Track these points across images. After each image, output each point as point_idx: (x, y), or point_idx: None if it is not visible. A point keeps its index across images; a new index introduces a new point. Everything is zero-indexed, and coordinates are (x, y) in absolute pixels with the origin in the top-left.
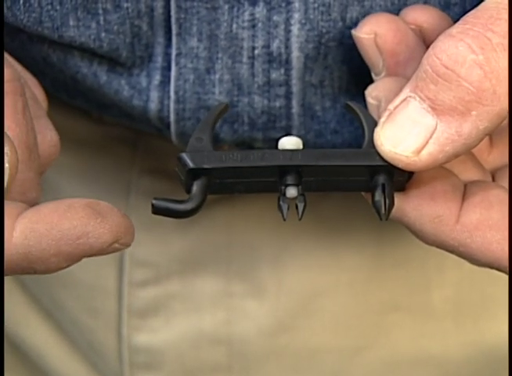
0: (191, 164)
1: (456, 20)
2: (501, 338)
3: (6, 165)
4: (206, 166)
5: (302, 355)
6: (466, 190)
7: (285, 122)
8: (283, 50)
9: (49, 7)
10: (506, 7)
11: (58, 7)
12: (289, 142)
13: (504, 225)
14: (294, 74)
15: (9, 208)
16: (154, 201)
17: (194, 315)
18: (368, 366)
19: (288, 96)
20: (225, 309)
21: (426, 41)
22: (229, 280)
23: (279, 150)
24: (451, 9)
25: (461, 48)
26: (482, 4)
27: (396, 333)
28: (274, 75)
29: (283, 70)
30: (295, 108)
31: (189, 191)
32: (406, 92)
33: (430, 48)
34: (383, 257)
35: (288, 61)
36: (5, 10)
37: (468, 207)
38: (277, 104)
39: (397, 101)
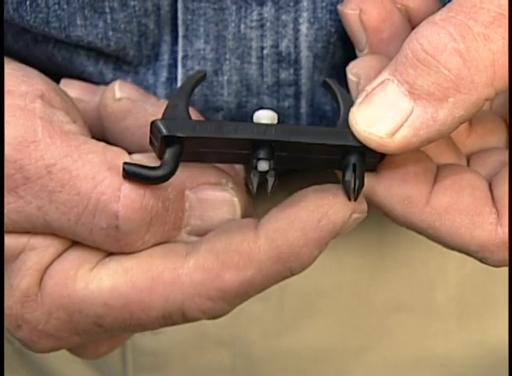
0: (164, 132)
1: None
2: (504, 338)
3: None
4: (179, 134)
5: (306, 356)
6: (438, 173)
7: (294, 122)
8: (292, 50)
9: (56, 7)
10: None
11: (65, 6)
12: (264, 116)
13: (473, 210)
14: (303, 73)
15: (247, 222)
16: (126, 165)
17: None
18: (372, 367)
19: (297, 96)
20: None
21: (411, 21)
22: None
23: (254, 123)
24: None
25: (442, 36)
26: None
27: (399, 333)
28: (283, 75)
29: (292, 70)
30: (304, 108)
31: (161, 158)
32: (385, 74)
33: (412, 33)
34: (385, 258)
35: (297, 61)
36: (11, 11)
37: (439, 190)
38: (286, 104)
39: (375, 83)
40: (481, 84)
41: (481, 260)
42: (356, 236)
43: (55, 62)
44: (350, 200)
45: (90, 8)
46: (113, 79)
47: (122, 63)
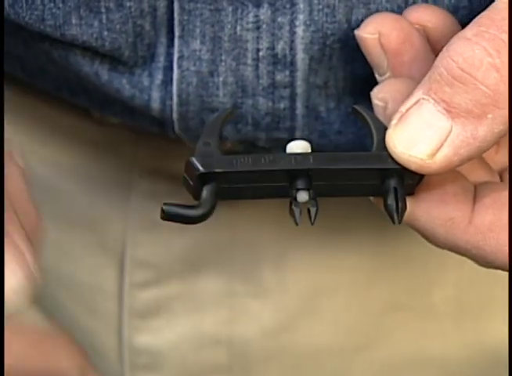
0: (201, 169)
1: (463, 22)
2: (502, 338)
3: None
4: (217, 170)
5: (303, 355)
6: (476, 192)
7: (289, 123)
8: (287, 52)
9: (52, 5)
10: None
11: (60, 5)
12: (297, 146)
13: None
14: (299, 75)
15: None
16: (165, 207)
17: (195, 315)
18: (369, 366)
19: (293, 98)
20: (226, 309)
21: (430, 40)
22: (231, 280)
23: (290, 153)
24: (459, 12)
25: (477, 52)
26: (493, 5)
27: (397, 333)
28: (279, 77)
29: (287, 72)
30: (299, 109)
31: (197, 196)
32: (419, 94)
33: (444, 51)
34: (384, 257)
35: (293, 63)
36: (7, 8)
37: (480, 208)
38: (281, 106)
39: (409, 103)
40: None
41: None
42: (354, 236)
43: (53, 60)
44: (394, 223)
45: (86, 7)
46: (109, 80)
47: (117, 63)
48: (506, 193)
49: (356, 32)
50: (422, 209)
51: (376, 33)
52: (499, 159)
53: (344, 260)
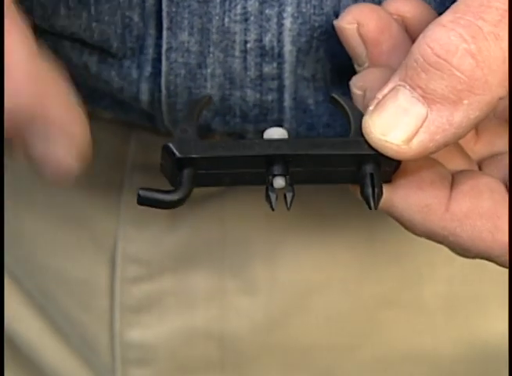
0: (178, 154)
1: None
2: (492, 334)
3: None
4: (193, 155)
5: (295, 351)
6: (454, 180)
7: (277, 115)
8: (275, 44)
9: None
10: None
11: None
12: (274, 133)
13: (494, 213)
14: (287, 67)
15: None
16: (141, 191)
17: (187, 311)
18: (361, 363)
19: (280, 90)
20: (217, 306)
21: (408, 31)
22: (222, 276)
23: (267, 139)
24: (446, 4)
25: (453, 38)
26: None
27: (389, 329)
28: (266, 69)
29: (275, 64)
30: (287, 101)
31: (174, 182)
32: (395, 80)
33: (420, 37)
34: (375, 253)
35: (280, 55)
36: None
37: (457, 195)
38: (269, 98)
39: (386, 90)
40: (495, 83)
41: (502, 264)
42: (346, 232)
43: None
44: (371, 209)
45: None
46: (98, 72)
47: (106, 55)
48: (483, 181)
49: (335, 22)
50: (399, 196)
51: (355, 23)
52: (478, 150)
53: (335, 257)
